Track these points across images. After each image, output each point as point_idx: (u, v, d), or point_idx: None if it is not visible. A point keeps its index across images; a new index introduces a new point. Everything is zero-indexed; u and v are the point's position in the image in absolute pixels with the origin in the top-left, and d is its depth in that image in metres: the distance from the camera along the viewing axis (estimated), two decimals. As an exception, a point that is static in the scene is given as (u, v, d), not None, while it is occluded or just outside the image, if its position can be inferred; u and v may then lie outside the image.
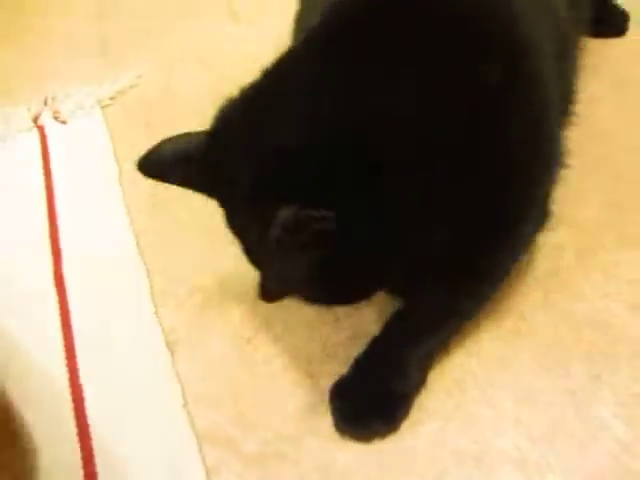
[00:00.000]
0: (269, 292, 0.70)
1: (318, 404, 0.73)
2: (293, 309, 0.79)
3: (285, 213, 0.53)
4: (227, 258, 0.84)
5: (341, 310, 0.79)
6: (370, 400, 0.69)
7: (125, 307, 0.85)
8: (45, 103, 1.16)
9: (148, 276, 0.89)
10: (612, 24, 1.10)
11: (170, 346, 0.81)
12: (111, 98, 1.17)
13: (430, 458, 0.67)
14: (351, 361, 0.73)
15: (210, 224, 0.84)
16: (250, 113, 0.62)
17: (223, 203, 0.66)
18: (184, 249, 0.90)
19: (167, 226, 0.94)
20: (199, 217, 0.89)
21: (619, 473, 0.64)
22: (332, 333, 0.78)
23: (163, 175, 0.67)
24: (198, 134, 0.66)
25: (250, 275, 0.81)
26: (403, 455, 0.68)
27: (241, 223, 0.65)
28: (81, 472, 0.71)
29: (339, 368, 0.74)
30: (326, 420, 0.71)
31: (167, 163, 0.66)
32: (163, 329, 0.83)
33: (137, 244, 0.92)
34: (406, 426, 0.70)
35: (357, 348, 0.74)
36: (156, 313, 0.85)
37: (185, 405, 0.75)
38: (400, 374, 0.69)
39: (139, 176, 0.67)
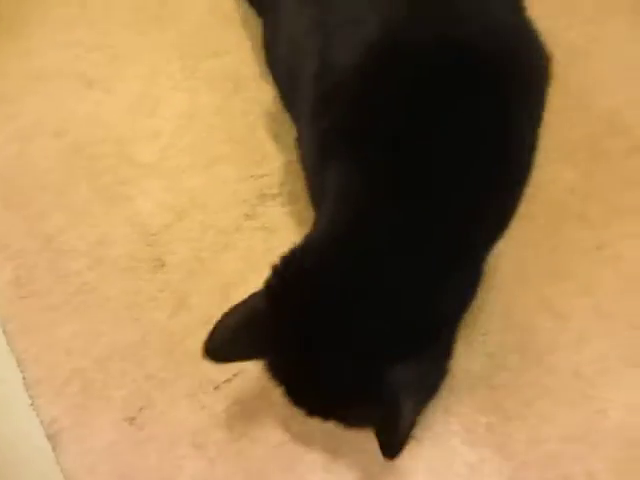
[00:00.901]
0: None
1: (208, 474, 0.74)
2: (172, 381, 0.81)
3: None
4: (103, 338, 0.85)
5: (220, 378, 0.81)
6: None
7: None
8: None
9: (19, 366, 0.86)
10: None
11: (51, 439, 0.80)
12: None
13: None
14: (238, 429, 0.76)
15: (81, 304, 0.85)
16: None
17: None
18: (56, 333, 0.89)
19: (36, 310, 0.92)
20: (70, 298, 0.89)
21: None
22: (215, 401, 0.80)
23: (231, 352, 0.67)
24: (254, 295, 0.67)
25: (129, 352, 0.82)
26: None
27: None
28: None
29: (226, 435, 0.76)
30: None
31: (231, 339, 0.66)
32: (42, 421, 0.81)
33: (4, 332, 0.90)
34: None
35: (243, 413, 0.77)
36: (33, 405, 0.83)
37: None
38: None
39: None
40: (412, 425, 0.61)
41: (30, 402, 0.83)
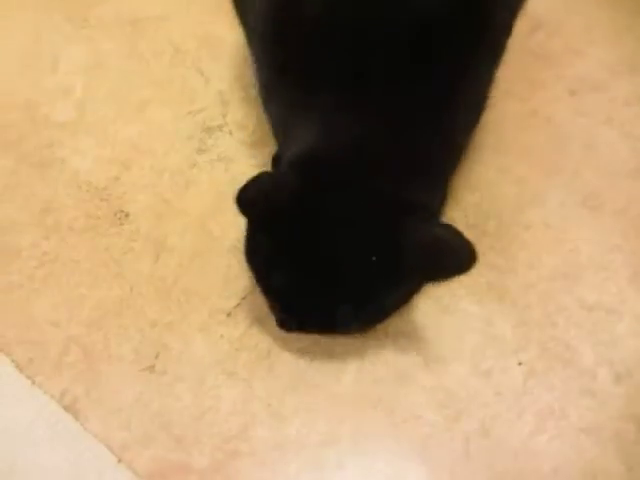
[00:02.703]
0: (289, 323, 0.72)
1: (248, 395, 0.76)
2: (179, 321, 0.81)
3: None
4: (87, 301, 0.82)
5: (229, 304, 0.82)
6: None
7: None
8: None
9: (3, 351, 0.81)
10: None
11: (69, 410, 0.76)
12: None
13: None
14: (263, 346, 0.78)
15: (49, 275, 0.81)
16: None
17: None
18: (32, 310, 0.83)
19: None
20: (34, 272, 0.85)
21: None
22: (231, 328, 0.81)
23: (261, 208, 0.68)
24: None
25: (122, 307, 0.80)
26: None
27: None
28: None
29: (252, 355, 0.78)
30: (260, 403, 0.76)
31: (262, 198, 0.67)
32: (52, 397, 0.77)
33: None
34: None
35: (262, 330, 0.79)
36: (35, 385, 0.78)
37: (120, 460, 0.73)
38: None
39: None
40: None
41: (31, 382, 0.78)
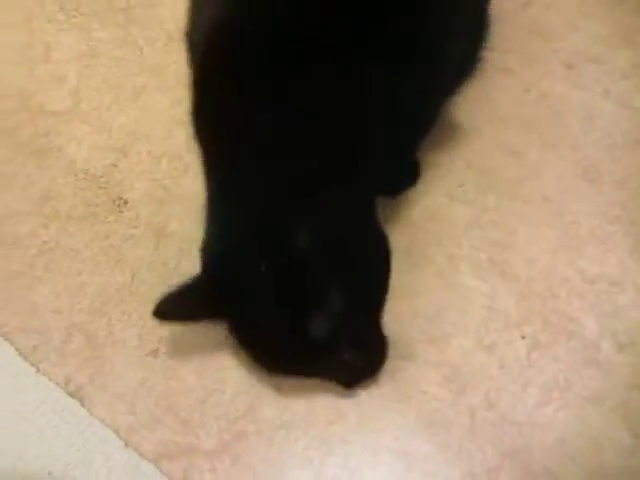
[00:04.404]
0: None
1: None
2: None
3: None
4: (89, 288, 0.82)
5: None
6: None
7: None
8: None
9: (7, 340, 0.81)
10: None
11: (75, 396, 0.77)
12: None
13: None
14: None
15: (50, 263, 0.80)
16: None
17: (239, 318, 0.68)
18: (33, 298, 0.83)
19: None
20: (34, 260, 0.85)
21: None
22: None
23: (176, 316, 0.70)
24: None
25: (124, 293, 0.81)
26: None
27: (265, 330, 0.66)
28: None
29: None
30: (265, 383, 0.76)
31: (175, 306, 0.68)
32: (58, 384, 0.77)
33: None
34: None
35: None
36: (40, 372, 0.78)
37: (127, 444, 0.73)
38: None
39: None
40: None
41: (35, 370, 0.78)
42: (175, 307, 0.68)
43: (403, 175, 0.84)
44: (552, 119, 0.90)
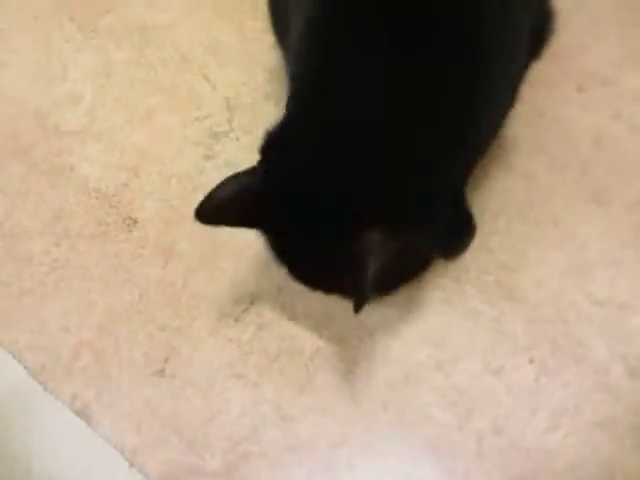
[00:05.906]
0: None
1: (258, 397, 0.76)
2: (188, 326, 0.82)
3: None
4: (97, 306, 0.82)
5: (237, 309, 0.82)
6: None
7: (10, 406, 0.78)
8: None
9: (15, 358, 0.81)
10: None
11: (80, 415, 0.77)
12: None
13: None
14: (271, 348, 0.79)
15: (60, 281, 0.81)
16: (306, 146, 0.65)
17: (288, 232, 0.66)
18: (43, 315, 0.84)
19: (10, 299, 0.86)
20: (44, 278, 0.86)
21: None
22: (240, 332, 0.81)
23: (221, 219, 0.68)
24: (248, 172, 0.67)
25: (132, 312, 0.81)
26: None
27: (316, 249, 0.65)
28: None
29: (262, 358, 0.78)
30: (270, 405, 0.76)
31: (224, 207, 0.66)
32: (64, 402, 0.78)
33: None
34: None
35: (271, 333, 0.79)
36: (46, 390, 0.79)
37: (131, 465, 0.73)
38: None
39: None
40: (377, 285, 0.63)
41: (42, 388, 0.79)
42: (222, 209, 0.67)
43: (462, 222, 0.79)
44: (563, 141, 0.90)
